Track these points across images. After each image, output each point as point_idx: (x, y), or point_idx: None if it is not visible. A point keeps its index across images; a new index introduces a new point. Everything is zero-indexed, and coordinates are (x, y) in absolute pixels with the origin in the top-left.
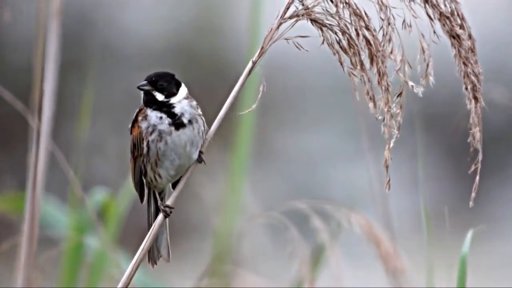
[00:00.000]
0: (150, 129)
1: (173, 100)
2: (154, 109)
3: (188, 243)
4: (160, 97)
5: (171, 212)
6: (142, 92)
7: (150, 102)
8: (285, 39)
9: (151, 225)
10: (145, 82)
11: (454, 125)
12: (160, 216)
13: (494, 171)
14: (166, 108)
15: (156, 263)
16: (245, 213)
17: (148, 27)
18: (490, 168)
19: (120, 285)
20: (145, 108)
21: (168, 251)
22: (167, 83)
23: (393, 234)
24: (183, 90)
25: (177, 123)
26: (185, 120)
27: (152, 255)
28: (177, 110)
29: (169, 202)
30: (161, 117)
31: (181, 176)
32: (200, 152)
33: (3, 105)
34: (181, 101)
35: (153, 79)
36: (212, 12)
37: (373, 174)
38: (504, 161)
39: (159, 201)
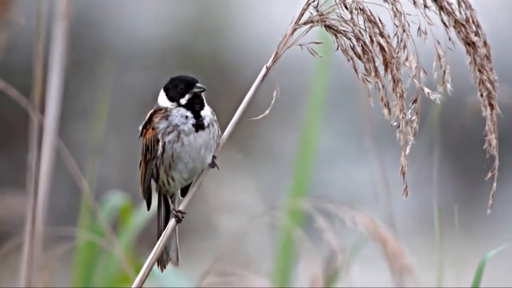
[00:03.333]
0: (169, 129)
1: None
2: (183, 106)
3: (189, 242)
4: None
5: (183, 217)
6: (192, 94)
7: (198, 104)
8: (299, 45)
9: (161, 229)
10: (199, 83)
11: (457, 125)
12: (173, 221)
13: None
14: (198, 106)
15: (165, 267)
16: (247, 213)
17: (148, 27)
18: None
19: (134, 285)
20: (165, 107)
21: (177, 255)
22: None
23: (396, 234)
24: None
25: (199, 124)
26: (206, 123)
27: (161, 258)
28: (202, 112)
29: (181, 207)
30: (186, 116)
31: (191, 182)
32: (213, 156)
33: (5, 105)
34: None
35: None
36: (212, 13)
37: (375, 174)
38: (504, 161)
39: (171, 206)
